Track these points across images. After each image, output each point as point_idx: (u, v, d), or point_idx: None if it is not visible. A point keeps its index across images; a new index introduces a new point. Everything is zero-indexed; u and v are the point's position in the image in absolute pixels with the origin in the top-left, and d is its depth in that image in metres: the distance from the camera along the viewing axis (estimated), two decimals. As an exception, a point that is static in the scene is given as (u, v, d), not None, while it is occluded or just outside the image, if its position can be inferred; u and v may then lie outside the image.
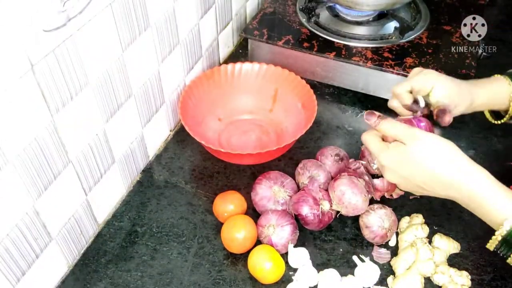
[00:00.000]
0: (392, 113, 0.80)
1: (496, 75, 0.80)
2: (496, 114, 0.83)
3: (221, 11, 1.04)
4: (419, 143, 0.63)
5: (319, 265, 0.76)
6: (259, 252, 0.74)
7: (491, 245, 0.61)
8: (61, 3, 0.58)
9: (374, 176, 0.84)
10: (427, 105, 0.76)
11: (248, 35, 1.06)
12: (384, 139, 0.69)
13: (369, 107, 1.02)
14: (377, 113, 0.68)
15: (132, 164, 0.87)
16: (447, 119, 0.72)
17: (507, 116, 0.79)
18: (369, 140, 0.69)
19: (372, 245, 0.79)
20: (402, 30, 1.02)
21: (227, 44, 1.14)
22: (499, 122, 0.82)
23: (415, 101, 0.76)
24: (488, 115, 0.84)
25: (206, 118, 0.97)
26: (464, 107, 0.76)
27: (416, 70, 0.79)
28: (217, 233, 0.79)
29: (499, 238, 0.60)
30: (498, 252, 0.62)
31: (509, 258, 0.62)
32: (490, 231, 0.62)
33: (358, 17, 1.06)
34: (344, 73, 1.02)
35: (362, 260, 0.76)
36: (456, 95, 0.75)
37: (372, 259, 0.77)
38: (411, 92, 0.76)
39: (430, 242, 0.77)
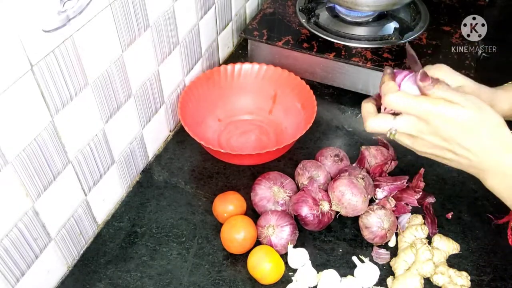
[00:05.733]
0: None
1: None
2: None
3: (221, 12, 1.04)
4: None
5: (319, 266, 0.76)
6: (259, 252, 0.74)
7: None
8: (61, 3, 0.58)
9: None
10: None
11: (247, 35, 1.06)
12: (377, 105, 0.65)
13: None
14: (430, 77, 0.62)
15: (132, 164, 0.87)
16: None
17: None
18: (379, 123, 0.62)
19: (371, 245, 0.79)
20: (401, 30, 1.02)
21: (226, 44, 1.14)
22: None
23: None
24: None
25: (205, 119, 0.97)
26: None
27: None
28: (217, 234, 0.79)
29: None
30: None
31: None
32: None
33: (358, 17, 1.06)
34: (344, 73, 1.02)
35: (362, 261, 0.76)
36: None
37: (371, 260, 0.77)
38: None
39: (429, 242, 0.77)
